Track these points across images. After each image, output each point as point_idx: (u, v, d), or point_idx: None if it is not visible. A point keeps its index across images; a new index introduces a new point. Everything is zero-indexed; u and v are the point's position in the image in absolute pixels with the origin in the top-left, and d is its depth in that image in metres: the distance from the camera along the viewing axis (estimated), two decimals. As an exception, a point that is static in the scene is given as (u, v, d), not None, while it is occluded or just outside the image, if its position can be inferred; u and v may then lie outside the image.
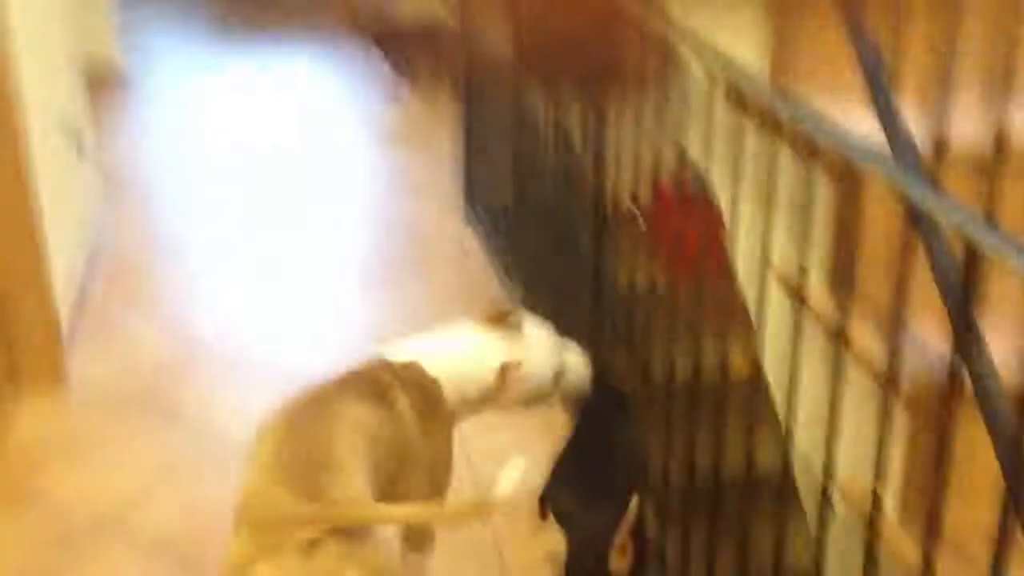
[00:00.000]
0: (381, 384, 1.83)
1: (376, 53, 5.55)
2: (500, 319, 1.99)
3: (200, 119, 5.34)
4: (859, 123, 1.61)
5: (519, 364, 1.95)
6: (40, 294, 2.97)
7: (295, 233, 4.12)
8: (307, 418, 1.73)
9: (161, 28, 6.76)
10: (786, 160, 1.62)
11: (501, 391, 1.95)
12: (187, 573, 2.35)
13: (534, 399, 2.04)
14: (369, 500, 1.62)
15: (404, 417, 1.83)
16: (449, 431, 1.94)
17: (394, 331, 3.30)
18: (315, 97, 5.65)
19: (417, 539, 2.01)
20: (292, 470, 1.62)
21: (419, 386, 1.88)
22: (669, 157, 2.09)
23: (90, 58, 4.99)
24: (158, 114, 5.37)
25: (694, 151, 2.03)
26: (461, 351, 1.95)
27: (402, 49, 5.49)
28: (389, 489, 1.75)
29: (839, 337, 1.48)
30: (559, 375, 2.04)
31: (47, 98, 3.25)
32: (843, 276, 1.44)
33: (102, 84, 5.34)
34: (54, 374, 3.03)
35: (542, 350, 2.01)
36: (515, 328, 1.99)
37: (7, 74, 2.73)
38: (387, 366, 1.88)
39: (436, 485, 1.93)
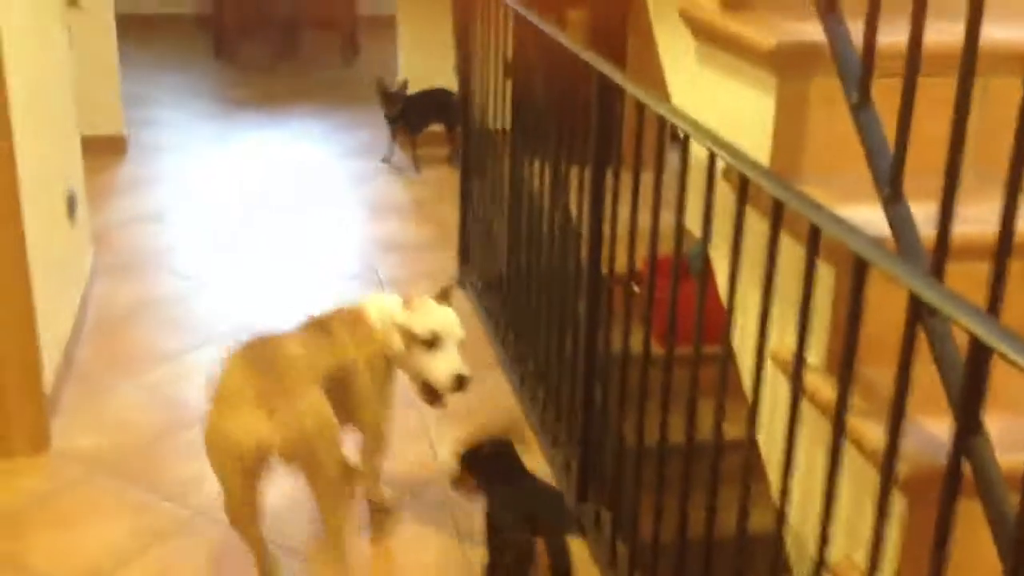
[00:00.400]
0: (323, 321, 2.48)
1: (389, 125, 5.68)
2: (442, 295, 2.59)
3: (195, 188, 5.39)
4: (862, 209, 1.65)
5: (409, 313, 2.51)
6: (26, 361, 2.95)
7: (285, 297, 4.13)
8: (261, 347, 2.31)
9: (166, 101, 6.84)
10: (787, 241, 1.65)
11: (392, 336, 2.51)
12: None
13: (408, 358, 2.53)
14: None
15: (345, 345, 2.44)
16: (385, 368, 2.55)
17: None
18: (314, 168, 5.72)
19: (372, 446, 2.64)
20: (257, 372, 2.21)
21: (356, 322, 2.50)
22: (666, 230, 2.12)
23: (93, 127, 5.12)
24: (154, 183, 5.41)
25: (692, 225, 2.05)
26: (386, 306, 2.56)
27: (412, 120, 5.62)
28: (339, 408, 2.30)
29: (837, 420, 1.49)
30: (430, 340, 2.48)
31: (45, 165, 3.27)
32: (843, 360, 1.45)
33: (103, 152, 5.43)
34: (37, 441, 3.00)
35: (429, 315, 2.50)
36: (442, 299, 2.58)
37: (6, 140, 2.75)
38: (335, 310, 2.54)
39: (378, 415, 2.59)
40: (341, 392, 2.38)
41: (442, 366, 2.46)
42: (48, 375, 3.10)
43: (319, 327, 2.47)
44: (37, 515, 2.73)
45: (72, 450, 3.02)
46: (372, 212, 5.13)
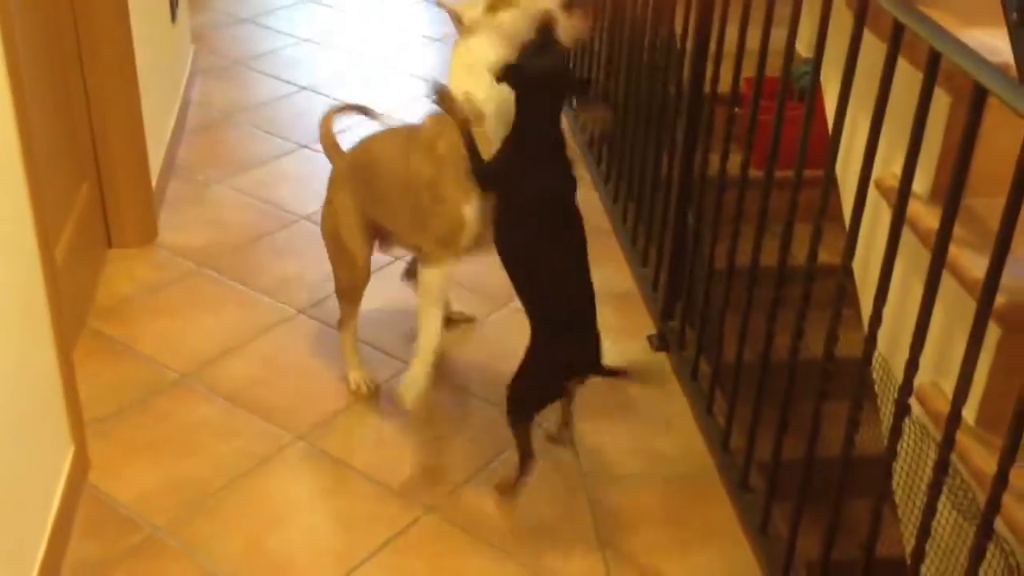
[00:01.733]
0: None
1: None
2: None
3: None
4: (986, 35, 1.59)
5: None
6: (135, 157, 3.05)
7: (381, 99, 4.15)
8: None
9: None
10: (903, 67, 1.61)
11: None
12: (266, 422, 2.48)
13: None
14: None
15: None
16: None
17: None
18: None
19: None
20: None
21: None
22: (773, 49, 2.07)
23: None
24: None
25: (802, 48, 2.00)
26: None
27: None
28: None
29: (939, 246, 1.49)
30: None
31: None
32: (950, 189, 1.43)
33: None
34: (146, 234, 3.14)
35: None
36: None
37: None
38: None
39: None
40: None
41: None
42: (154, 172, 3.20)
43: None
44: (147, 303, 2.89)
45: (177, 245, 3.15)
46: (467, 22, 5.05)
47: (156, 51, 3.35)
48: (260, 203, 3.38)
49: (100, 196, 3.03)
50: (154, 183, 3.19)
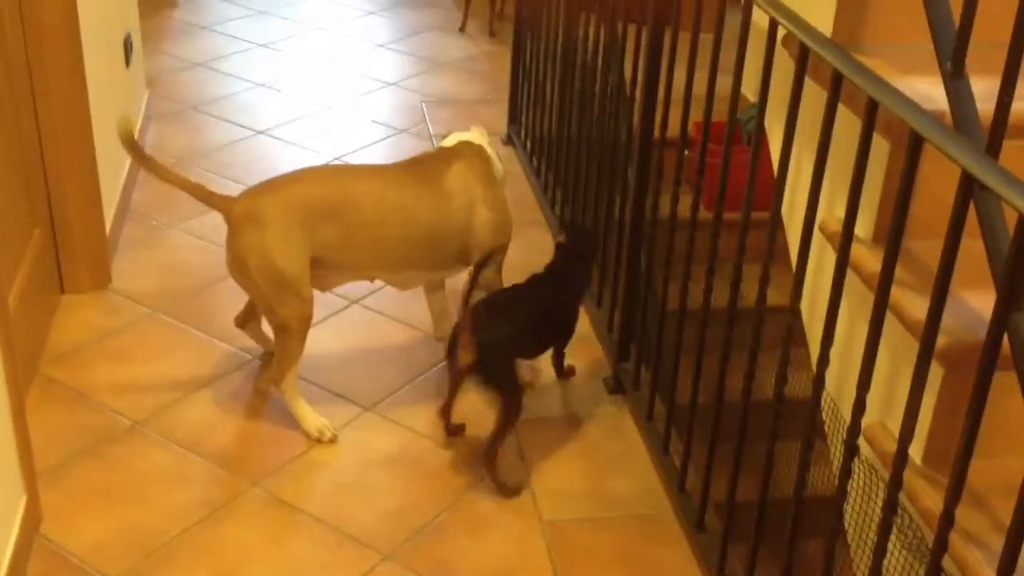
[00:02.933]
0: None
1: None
2: None
3: (245, 35, 5.37)
4: (922, 84, 1.64)
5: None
6: (89, 202, 3.05)
7: (337, 143, 4.17)
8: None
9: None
10: (843, 113, 1.65)
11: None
12: (221, 468, 2.47)
13: None
14: None
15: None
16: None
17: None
18: (369, 25, 5.64)
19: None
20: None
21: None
22: (721, 95, 2.12)
23: None
24: (205, 30, 5.40)
25: (748, 91, 2.05)
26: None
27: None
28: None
29: (881, 289, 1.52)
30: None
31: (103, 11, 3.28)
32: (891, 232, 1.47)
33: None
34: (99, 278, 3.12)
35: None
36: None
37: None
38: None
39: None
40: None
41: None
42: (108, 216, 3.19)
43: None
44: (101, 349, 2.86)
45: (131, 289, 3.14)
46: (422, 66, 5.10)
47: (110, 95, 3.34)
48: (215, 247, 3.37)
49: (53, 241, 3.02)
50: (108, 228, 3.17)
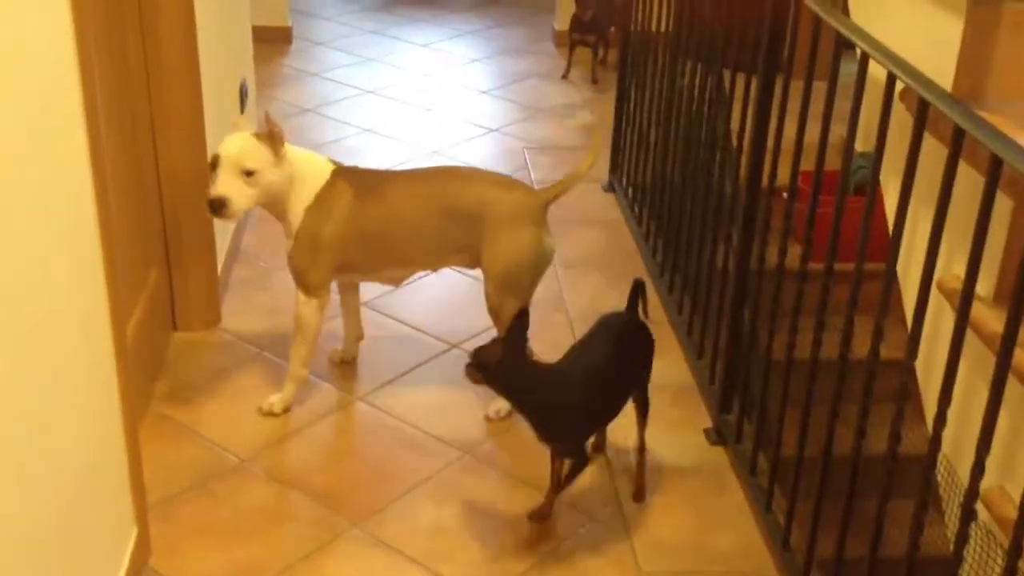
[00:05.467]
0: None
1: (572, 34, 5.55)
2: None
3: (355, 81, 5.51)
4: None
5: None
6: (203, 244, 3.15)
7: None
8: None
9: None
10: (963, 169, 1.62)
11: None
12: (323, 507, 2.50)
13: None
14: None
15: None
16: None
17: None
18: (472, 73, 5.74)
19: None
20: None
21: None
22: (836, 146, 2.10)
23: (263, 20, 5.35)
24: (316, 75, 5.56)
25: (862, 145, 2.03)
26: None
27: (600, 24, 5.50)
28: None
29: (1003, 353, 1.48)
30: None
31: (223, 55, 3.41)
32: (1014, 293, 1.44)
33: (270, 44, 5.62)
34: (210, 319, 3.22)
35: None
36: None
37: (192, 39, 2.92)
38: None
39: None
40: None
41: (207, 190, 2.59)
42: (220, 258, 3.29)
43: None
44: (210, 386, 2.94)
45: (240, 329, 3.22)
46: (524, 112, 5.16)
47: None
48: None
49: (168, 280, 3.12)
50: (219, 268, 3.27)
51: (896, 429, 1.78)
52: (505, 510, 2.53)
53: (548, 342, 3.20)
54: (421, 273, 3.18)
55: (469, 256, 2.75)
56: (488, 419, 2.84)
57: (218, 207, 2.54)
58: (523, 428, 2.82)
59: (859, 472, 1.95)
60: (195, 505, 2.50)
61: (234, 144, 2.57)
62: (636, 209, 3.90)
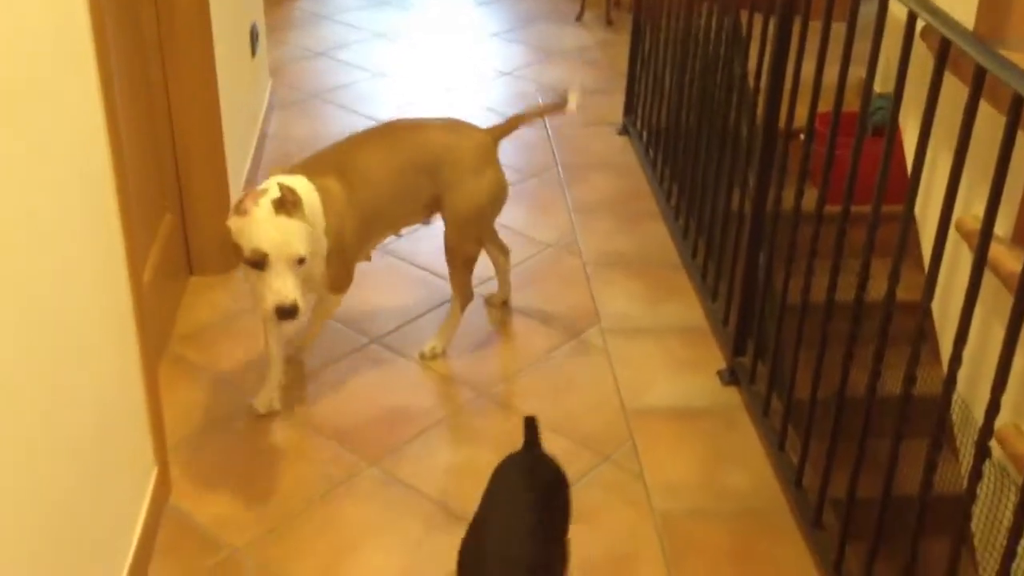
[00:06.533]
0: None
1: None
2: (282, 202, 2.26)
3: (366, 25, 5.45)
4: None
5: None
6: (217, 188, 3.15)
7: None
8: None
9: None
10: (984, 109, 1.61)
11: None
12: (342, 447, 2.54)
13: None
14: None
15: None
16: None
17: (545, 223, 3.42)
18: (484, 15, 5.68)
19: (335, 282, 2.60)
20: None
21: None
22: (853, 88, 2.08)
23: None
24: (326, 19, 5.51)
25: (882, 86, 2.01)
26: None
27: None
28: None
29: (1020, 292, 1.49)
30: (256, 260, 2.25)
31: (231, 1, 3.38)
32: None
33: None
34: (226, 263, 3.21)
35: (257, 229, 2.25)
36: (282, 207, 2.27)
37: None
38: None
39: None
40: None
41: (264, 292, 2.24)
42: (233, 202, 3.29)
43: None
44: (227, 329, 2.96)
45: (255, 272, 3.22)
46: (537, 54, 5.12)
47: (237, 84, 3.45)
48: (335, 233, 3.45)
49: (182, 225, 3.12)
50: (234, 212, 3.27)
51: (911, 369, 1.79)
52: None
53: (561, 285, 3.23)
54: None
55: (430, 207, 2.73)
56: (422, 356, 2.87)
57: (291, 314, 2.24)
58: (537, 370, 2.84)
59: (873, 412, 1.96)
60: (214, 445, 2.53)
61: (275, 236, 2.22)
62: (650, 152, 3.89)
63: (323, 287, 2.57)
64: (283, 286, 2.22)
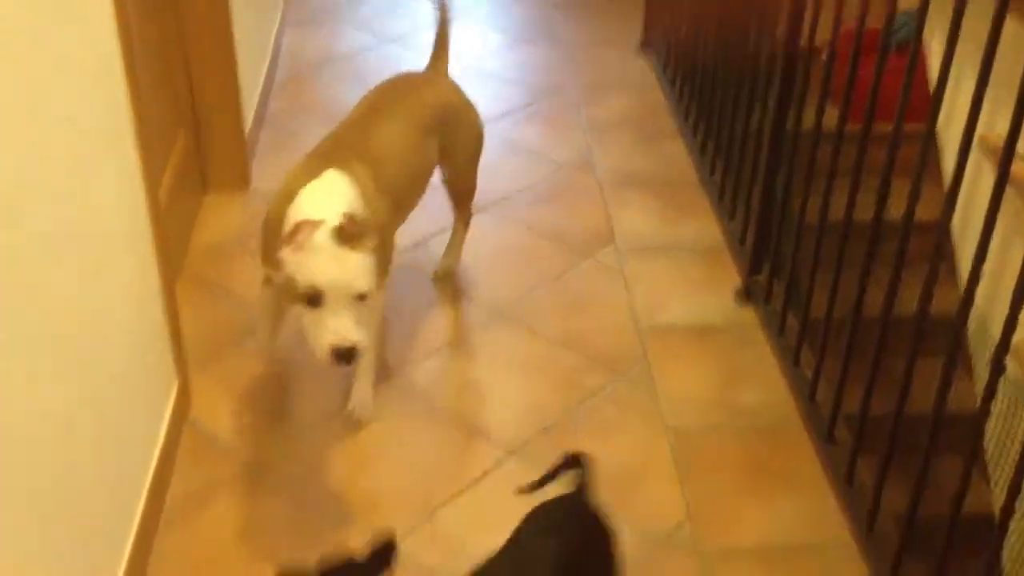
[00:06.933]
0: None
1: None
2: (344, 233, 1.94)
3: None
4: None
5: None
6: (230, 106, 3.13)
7: (459, 56, 4.17)
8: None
9: None
10: (1010, 24, 1.59)
11: None
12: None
13: None
14: None
15: None
16: None
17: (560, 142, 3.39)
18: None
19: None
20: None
21: None
22: (875, 5, 2.05)
23: None
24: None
25: (905, 3, 1.98)
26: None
27: None
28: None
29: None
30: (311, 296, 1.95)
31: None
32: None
33: None
34: (239, 179, 3.23)
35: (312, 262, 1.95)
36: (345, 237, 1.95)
37: None
38: None
39: None
40: None
41: (320, 331, 1.95)
42: (248, 120, 3.28)
43: None
44: (242, 247, 2.97)
45: (270, 191, 3.21)
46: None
47: (249, 2, 3.40)
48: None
49: (196, 142, 3.12)
50: (247, 131, 3.26)
51: (929, 286, 1.79)
52: (536, 366, 2.58)
53: (577, 204, 3.22)
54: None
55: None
56: (435, 276, 2.87)
57: (352, 355, 1.94)
58: (551, 289, 2.85)
59: (888, 330, 1.97)
60: (231, 361, 2.55)
61: (335, 272, 1.92)
62: (669, 71, 3.84)
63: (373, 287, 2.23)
64: (341, 325, 1.92)
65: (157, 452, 2.15)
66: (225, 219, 3.10)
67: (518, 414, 2.43)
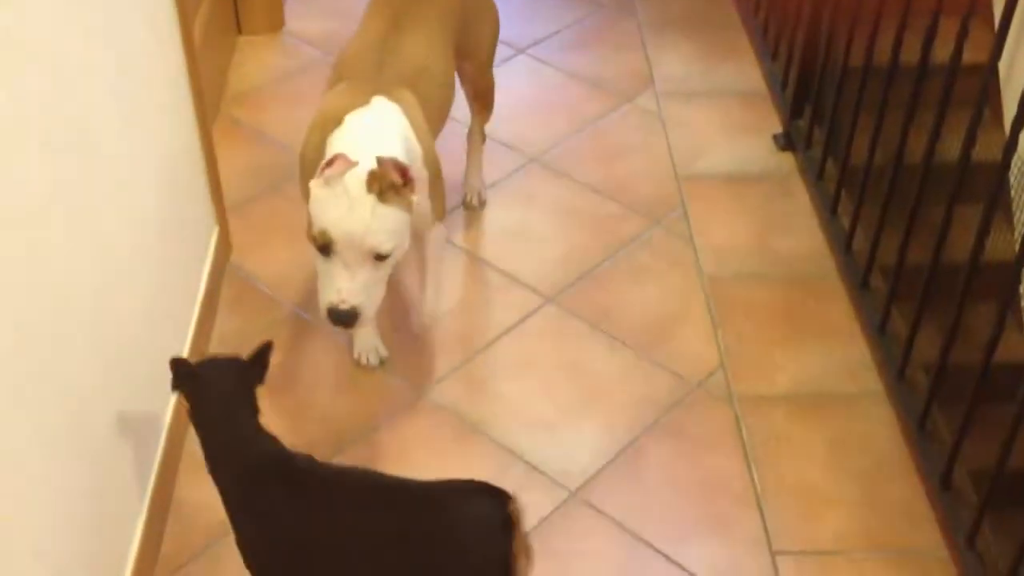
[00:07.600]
0: None
1: None
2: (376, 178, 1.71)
3: None
4: None
5: None
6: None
7: None
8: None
9: None
10: None
11: None
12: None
13: None
14: None
15: None
16: None
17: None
18: None
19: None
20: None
21: None
22: None
23: None
24: None
25: None
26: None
27: None
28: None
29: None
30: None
31: None
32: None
33: None
34: (273, 22, 3.18)
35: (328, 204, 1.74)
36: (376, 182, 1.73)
37: None
38: None
39: None
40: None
41: (325, 285, 1.77)
42: (280, -41, 3.21)
43: None
44: (277, 90, 2.95)
45: (303, 32, 3.18)
46: None
47: None
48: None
49: (229, -18, 3.07)
50: (281, -30, 3.20)
51: (973, 129, 1.75)
52: (573, 213, 2.58)
53: (615, 47, 3.15)
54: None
55: None
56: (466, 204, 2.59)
57: (350, 319, 1.74)
58: (589, 135, 2.82)
59: (929, 176, 1.94)
60: (270, 205, 2.58)
61: (352, 221, 1.70)
62: None
63: (430, 224, 2.04)
64: (346, 284, 1.73)
65: (200, 296, 2.20)
66: (259, 61, 3.07)
67: (555, 261, 2.45)
